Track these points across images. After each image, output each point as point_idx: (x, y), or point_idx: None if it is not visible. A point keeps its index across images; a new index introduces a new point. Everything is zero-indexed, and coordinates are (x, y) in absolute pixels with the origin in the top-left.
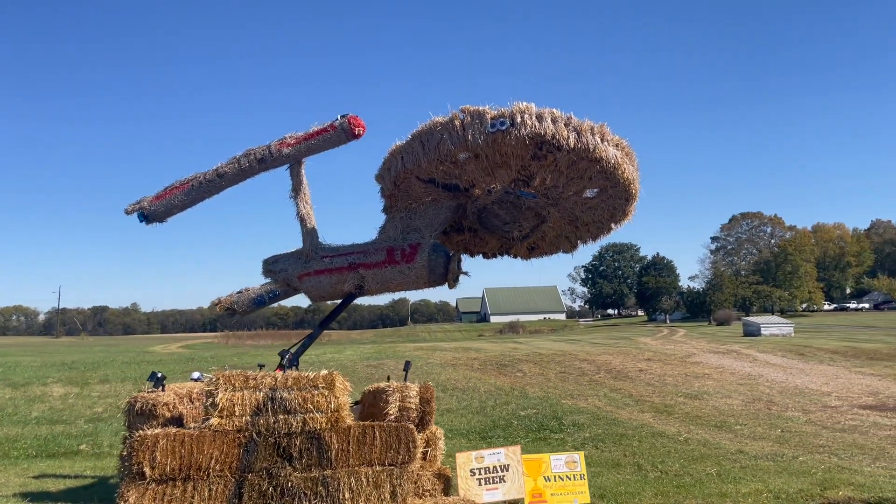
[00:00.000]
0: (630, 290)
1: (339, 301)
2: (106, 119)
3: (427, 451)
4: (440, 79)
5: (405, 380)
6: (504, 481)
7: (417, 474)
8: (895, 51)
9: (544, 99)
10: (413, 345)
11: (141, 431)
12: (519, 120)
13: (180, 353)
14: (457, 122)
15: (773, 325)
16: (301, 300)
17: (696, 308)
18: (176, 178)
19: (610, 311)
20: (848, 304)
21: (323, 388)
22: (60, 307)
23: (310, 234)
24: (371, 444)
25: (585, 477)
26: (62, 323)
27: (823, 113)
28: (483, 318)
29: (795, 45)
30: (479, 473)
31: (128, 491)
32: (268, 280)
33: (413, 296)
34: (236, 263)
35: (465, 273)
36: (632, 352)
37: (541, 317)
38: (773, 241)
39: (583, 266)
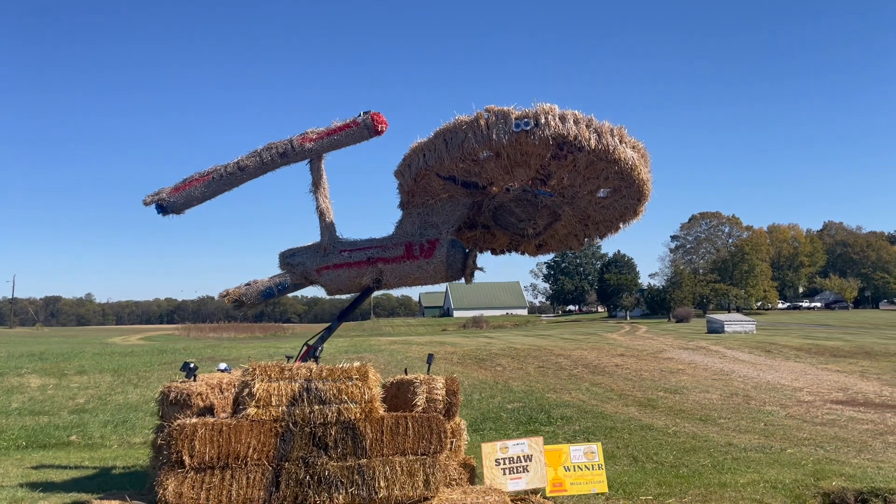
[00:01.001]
0: (591, 286)
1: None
2: (62, 108)
3: (452, 442)
4: (440, 80)
5: (427, 372)
6: (527, 471)
7: (444, 464)
8: (850, 58)
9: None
10: (387, 339)
11: (179, 420)
12: (543, 120)
13: (145, 345)
14: (482, 121)
15: (735, 323)
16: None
17: (657, 305)
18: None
19: (571, 307)
20: (800, 303)
21: (357, 379)
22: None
23: (328, 228)
24: (404, 434)
25: (603, 467)
26: (14, 313)
27: (781, 118)
28: (446, 312)
29: (756, 51)
30: (504, 463)
31: (167, 479)
32: (277, 273)
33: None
34: (197, 257)
35: (481, 269)
36: (604, 347)
37: (503, 312)
38: (730, 240)
39: (545, 262)
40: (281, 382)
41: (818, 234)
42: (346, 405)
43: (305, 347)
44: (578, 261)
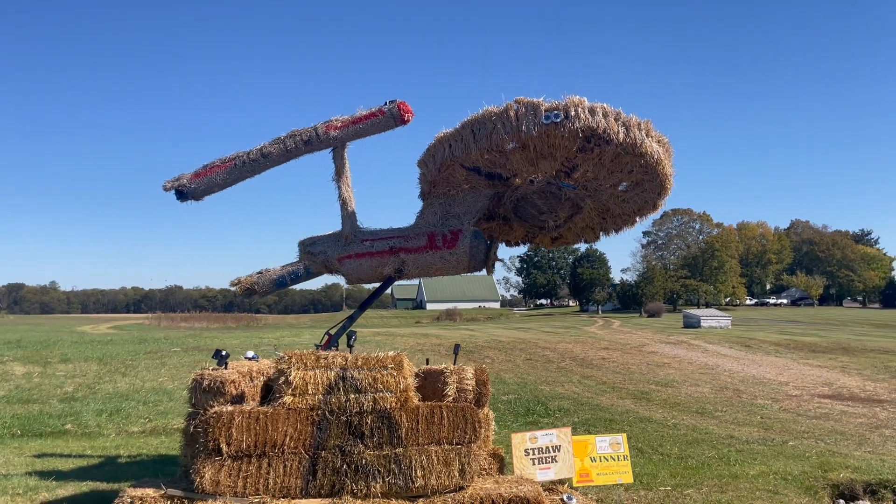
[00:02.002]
0: (563, 280)
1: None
2: (25, 94)
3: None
4: (443, 70)
5: (454, 362)
6: (556, 461)
7: (476, 453)
8: (820, 59)
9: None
10: (369, 330)
11: (216, 408)
12: (573, 113)
13: (118, 334)
14: (511, 113)
15: (711, 318)
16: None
17: (629, 300)
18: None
19: (542, 301)
20: (768, 300)
21: (392, 368)
22: None
23: (350, 217)
24: (438, 424)
25: (628, 458)
26: None
27: (752, 117)
28: (419, 305)
29: (727, 48)
30: (533, 453)
31: (204, 467)
32: (291, 262)
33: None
34: (165, 246)
35: (501, 260)
36: (587, 341)
37: (476, 305)
38: (701, 237)
39: (518, 256)
40: (317, 371)
41: (785, 232)
42: (381, 394)
43: (327, 336)
44: (551, 255)
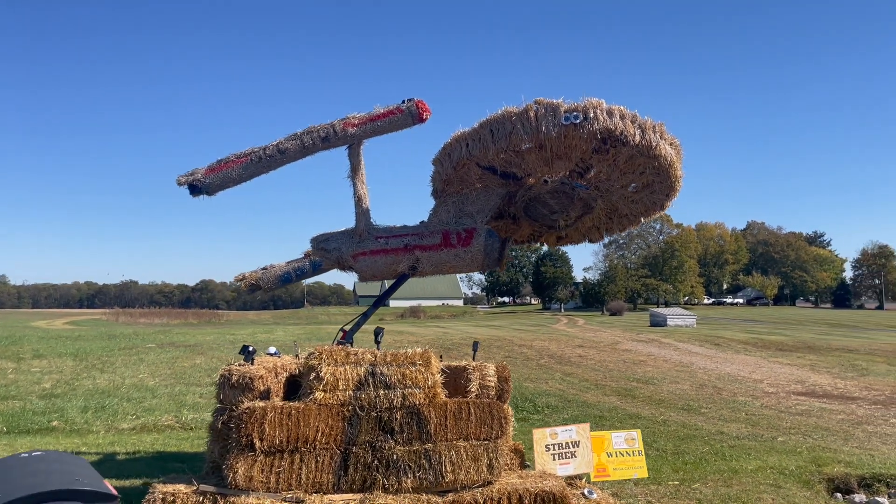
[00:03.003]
0: (526, 279)
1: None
2: None
3: None
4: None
5: (473, 359)
6: (575, 456)
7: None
8: (772, 62)
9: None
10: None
11: (248, 404)
12: (592, 115)
13: (77, 330)
14: (531, 113)
15: (678, 317)
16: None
17: (592, 298)
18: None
19: (505, 298)
20: (724, 299)
21: (420, 364)
22: None
23: (364, 214)
24: (466, 420)
25: (643, 453)
26: None
27: (708, 119)
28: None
29: (683, 46)
30: (553, 449)
31: (237, 462)
32: (297, 257)
33: (308, 278)
34: (120, 241)
35: (512, 257)
36: (561, 339)
37: (440, 302)
38: (661, 237)
39: None
40: (347, 367)
41: (742, 234)
42: (410, 390)
43: (341, 332)
44: (514, 253)
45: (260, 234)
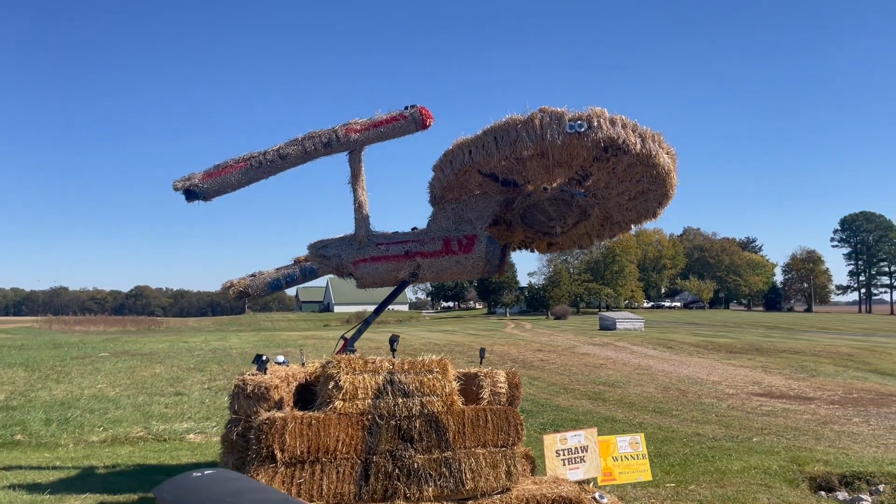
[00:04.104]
0: (471, 283)
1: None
2: None
3: None
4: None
5: (480, 364)
6: (584, 461)
7: None
8: (705, 68)
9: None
10: (297, 333)
11: (267, 414)
12: (595, 123)
13: (13, 339)
14: (536, 121)
15: (626, 321)
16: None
17: (537, 303)
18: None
19: (449, 303)
20: (663, 303)
21: (437, 372)
22: None
23: (364, 220)
24: (484, 427)
25: (647, 457)
26: None
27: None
28: (326, 307)
29: (624, 47)
30: (563, 454)
31: (258, 475)
32: (286, 264)
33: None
34: (50, 246)
35: (510, 264)
36: (519, 343)
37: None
38: (603, 242)
39: None
40: (365, 375)
41: (679, 239)
42: (428, 398)
43: (342, 341)
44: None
45: (199, 239)
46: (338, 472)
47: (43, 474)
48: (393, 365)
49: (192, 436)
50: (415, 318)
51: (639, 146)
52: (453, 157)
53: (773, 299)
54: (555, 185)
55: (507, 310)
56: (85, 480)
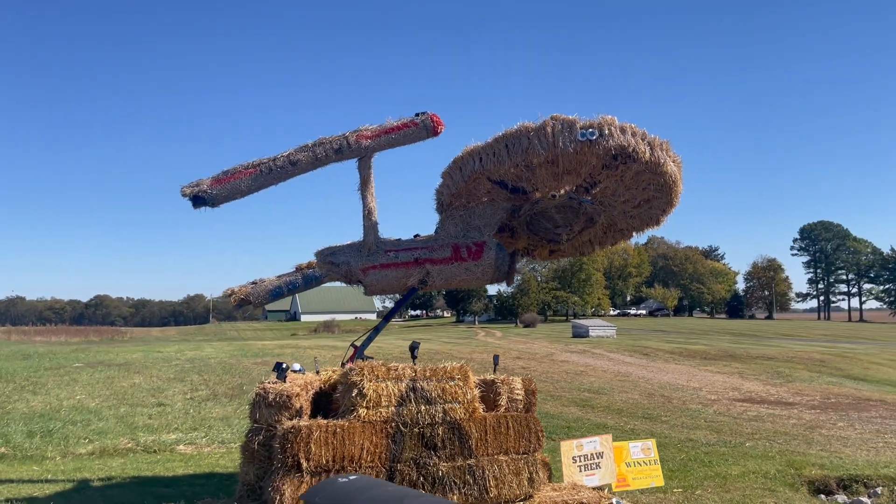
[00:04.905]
0: (439, 291)
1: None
2: None
3: None
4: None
5: (494, 372)
6: (599, 467)
7: None
8: (669, 78)
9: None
10: (273, 342)
11: (292, 423)
12: (607, 131)
13: None
14: (548, 129)
15: (599, 328)
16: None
17: (506, 311)
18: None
19: (417, 311)
20: (629, 311)
21: (458, 379)
22: None
23: (373, 227)
24: (505, 434)
25: (658, 462)
26: None
27: None
28: (293, 316)
29: (605, 59)
30: (580, 460)
31: (283, 484)
32: (288, 272)
33: (211, 292)
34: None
35: (518, 271)
36: (497, 350)
37: (353, 316)
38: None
39: None
40: (388, 382)
41: (644, 248)
42: (450, 405)
43: (353, 349)
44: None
45: (160, 246)
46: None
47: (37, 488)
48: (415, 372)
49: (181, 447)
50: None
51: (648, 154)
52: (463, 164)
53: (735, 307)
54: (562, 192)
55: (476, 318)
56: (82, 494)
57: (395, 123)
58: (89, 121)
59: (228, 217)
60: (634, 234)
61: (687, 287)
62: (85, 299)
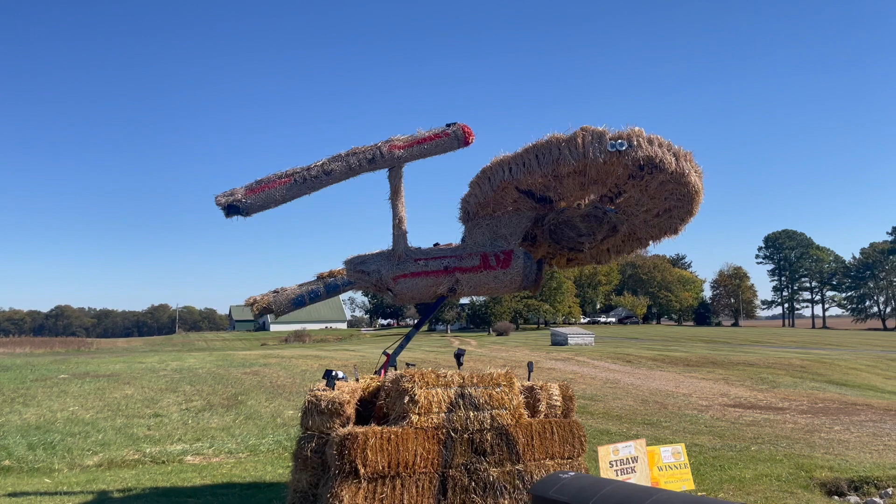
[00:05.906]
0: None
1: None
2: None
3: None
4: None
5: (528, 379)
6: (635, 471)
7: None
8: (638, 86)
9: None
10: (255, 352)
11: (347, 429)
12: (635, 143)
13: None
14: (579, 140)
15: (577, 336)
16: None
17: (478, 319)
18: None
19: (388, 321)
20: (599, 318)
21: (504, 385)
22: None
23: (403, 236)
24: (550, 439)
25: (688, 466)
26: None
27: None
28: (262, 326)
29: (581, 61)
30: (616, 465)
31: (341, 490)
32: (309, 280)
33: (176, 301)
34: None
35: (543, 279)
36: (482, 359)
37: (323, 326)
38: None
39: None
40: (438, 389)
41: None
42: (497, 411)
43: (385, 357)
44: None
45: (122, 255)
46: (417, 487)
47: (57, 501)
48: (463, 378)
49: (189, 457)
50: (354, 336)
51: (674, 165)
52: (492, 173)
53: (702, 314)
54: (587, 201)
55: (448, 326)
56: None
57: (427, 134)
58: (54, 124)
59: (187, 226)
60: (651, 242)
61: (655, 295)
62: (45, 310)
